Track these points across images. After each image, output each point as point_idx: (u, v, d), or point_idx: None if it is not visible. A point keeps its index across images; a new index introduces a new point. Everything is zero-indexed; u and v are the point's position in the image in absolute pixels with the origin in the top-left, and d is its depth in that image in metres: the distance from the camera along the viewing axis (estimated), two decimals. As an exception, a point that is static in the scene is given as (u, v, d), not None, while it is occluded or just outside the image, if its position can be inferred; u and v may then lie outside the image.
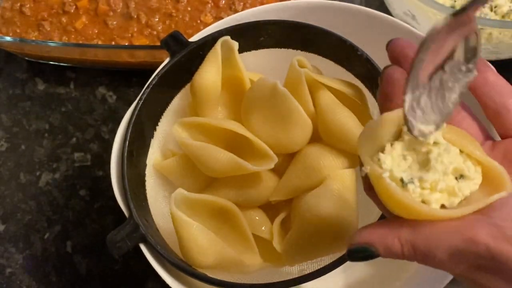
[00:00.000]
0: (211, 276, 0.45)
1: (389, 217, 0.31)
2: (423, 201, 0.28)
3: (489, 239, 0.27)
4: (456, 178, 0.29)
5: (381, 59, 0.45)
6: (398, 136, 0.30)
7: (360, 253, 0.30)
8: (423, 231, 0.28)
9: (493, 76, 0.32)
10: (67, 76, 0.70)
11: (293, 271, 0.50)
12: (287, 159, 0.51)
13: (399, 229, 0.29)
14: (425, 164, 0.29)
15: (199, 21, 0.66)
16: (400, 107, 0.30)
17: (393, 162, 0.29)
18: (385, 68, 0.33)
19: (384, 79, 0.33)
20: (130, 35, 0.66)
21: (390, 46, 0.33)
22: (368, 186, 0.32)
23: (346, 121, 0.48)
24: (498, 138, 0.32)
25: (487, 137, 0.33)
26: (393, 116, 0.30)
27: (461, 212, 0.28)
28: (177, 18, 0.66)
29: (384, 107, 0.33)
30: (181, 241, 0.46)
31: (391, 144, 0.30)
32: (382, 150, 0.30)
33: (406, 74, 0.32)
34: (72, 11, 0.68)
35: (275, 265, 0.50)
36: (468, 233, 0.27)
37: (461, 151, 0.30)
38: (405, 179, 0.28)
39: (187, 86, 0.53)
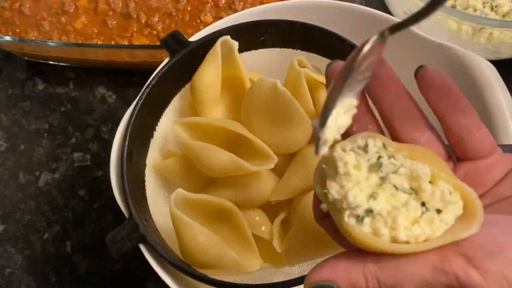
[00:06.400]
0: (211, 276, 0.45)
1: (348, 250, 0.29)
2: (393, 237, 0.26)
3: (459, 270, 0.26)
4: (437, 211, 0.27)
5: (381, 59, 0.45)
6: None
7: None
8: (389, 263, 0.27)
9: (464, 103, 0.31)
10: (66, 76, 0.70)
11: (293, 271, 0.50)
12: (287, 159, 0.51)
13: (363, 263, 0.27)
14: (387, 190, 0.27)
15: (199, 21, 0.66)
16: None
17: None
18: (328, 64, 0.32)
19: (329, 75, 0.31)
20: (129, 34, 0.66)
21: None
22: (320, 215, 0.31)
23: (346, 121, 0.48)
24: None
25: (449, 158, 0.32)
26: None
27: (427, 246, 0.26)
28: (177, 18, 0.66)
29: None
30: (181, 241, 0.46)
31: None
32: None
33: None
34: (72, 10, 0.68)
35: (275, 265, 0.50)
36: (437, 263, 0.26)
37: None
38: (360, 214, 0.26)
39: (187, 86, 0.53)
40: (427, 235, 0.26)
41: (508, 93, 0.49)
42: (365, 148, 0.28)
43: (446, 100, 0.30)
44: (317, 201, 0.30)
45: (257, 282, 0.45)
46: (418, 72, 0.31)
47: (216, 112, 0.53)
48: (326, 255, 0.48)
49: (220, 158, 0.48)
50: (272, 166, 0.47)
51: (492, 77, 0.49)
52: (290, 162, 0.50)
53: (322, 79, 0.50)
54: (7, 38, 0.64)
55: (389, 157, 0.28)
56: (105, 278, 0.59)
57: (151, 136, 0.52)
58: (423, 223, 0.27)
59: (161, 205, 0.52)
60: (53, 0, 0.68)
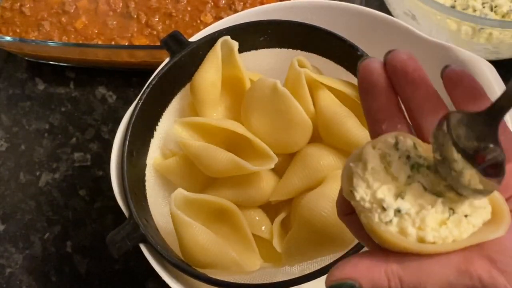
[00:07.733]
0: (211, 276, 0.45)
1: (371, 249, 0.29)
2: (420, 237, 0.26)
3: (483, 272, 0.26)
4: (465, 216, 0.27)
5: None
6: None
7: None
8: (412, 264, 0.27)
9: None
10: (67, 76, 0.70)
11: (293, 271, 0.50)
12: (287, 159, 0.51)
13: (386, 262, 0.27)
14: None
15: (199, 21, 0.66)
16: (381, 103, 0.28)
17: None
18: (361, 60, 0.31)
19: (361, 71, 0.30)
20: (130, 35, 0.66)
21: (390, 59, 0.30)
22: (343, 211, 0.30)
23: (346, 121, 0.48)
24: None
25: None
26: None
27: (452, 246, 0.26)
28: (177, 18, 0.66)
29: (367, 105, 0.31)
30: (181, 241, 0.46)
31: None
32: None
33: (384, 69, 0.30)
34: (72, 11, 0.68)
35: (275, 265, 0.50)
36: (461, 265, 0.26)
37: None
38: (401, 209, 0.26)
39: (187, 86, 0.53)
40: (455, 237, 0.26)
41: (507, 93, 0.49)
42: (395, 146, 0.28)
43: (472, 100, 0.29)
44: (342, 198, 0.30)
45: (257, 282, 0.45)
46: (444, 72, 0.30)
47: (216, 112, 0.53)
48: (326, 255, 0.48)
49: (220, 158, 0.48)
50: (272, 166, 0.47)
51: (491, 77, 0.49)
52: (290, 162, 0.50)
53: (322, 79, 0.50)
54: (8, 38, 0.64)
55: (419, 157, 0.28)
56: (105, 278, 0.59)
57: (152, 136, 0.53)
58: (451, 225, 0.26)
59: (161, 205, 0.52)
60: (53, 0, 0.68)
